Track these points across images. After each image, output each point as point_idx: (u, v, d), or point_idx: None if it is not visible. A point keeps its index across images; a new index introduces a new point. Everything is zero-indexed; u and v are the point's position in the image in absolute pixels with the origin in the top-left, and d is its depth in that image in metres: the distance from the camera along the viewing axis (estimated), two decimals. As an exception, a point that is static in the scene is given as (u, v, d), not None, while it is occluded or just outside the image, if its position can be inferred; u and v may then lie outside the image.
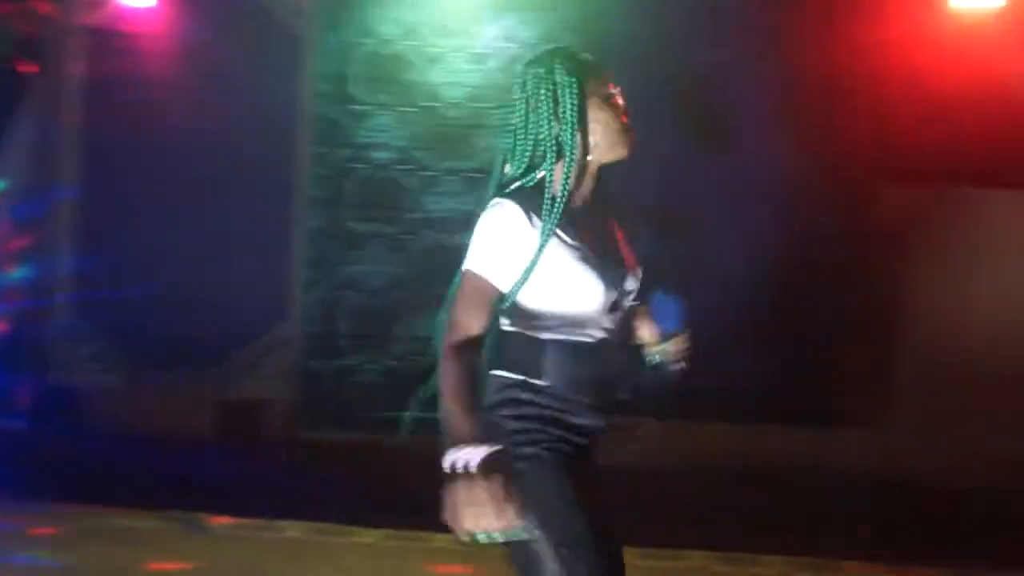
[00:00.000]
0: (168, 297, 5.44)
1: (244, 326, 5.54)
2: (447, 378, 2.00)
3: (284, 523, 4.93)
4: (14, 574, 4.16)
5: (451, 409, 1.94)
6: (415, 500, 5.12)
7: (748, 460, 5.24)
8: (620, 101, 2.18)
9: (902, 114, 5.08)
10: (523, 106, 2.12)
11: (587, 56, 2.23)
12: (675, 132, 5.12)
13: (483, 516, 1.76)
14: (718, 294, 4.57)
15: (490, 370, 2.22)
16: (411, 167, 5.45)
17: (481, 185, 5.39)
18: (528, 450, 2.10)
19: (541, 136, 2.11)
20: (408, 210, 5.46)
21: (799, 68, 4.96)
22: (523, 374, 2.16)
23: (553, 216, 2.07)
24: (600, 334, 2.14)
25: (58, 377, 5.58)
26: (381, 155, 5.45)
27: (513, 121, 2.13)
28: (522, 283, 2.09)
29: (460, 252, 5.60)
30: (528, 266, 2.08)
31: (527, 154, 2.12)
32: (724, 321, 4.20)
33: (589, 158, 2.13)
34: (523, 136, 2.12)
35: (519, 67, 2.15)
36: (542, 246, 2.08)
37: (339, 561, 4.51)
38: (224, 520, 4.92)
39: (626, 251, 2.22)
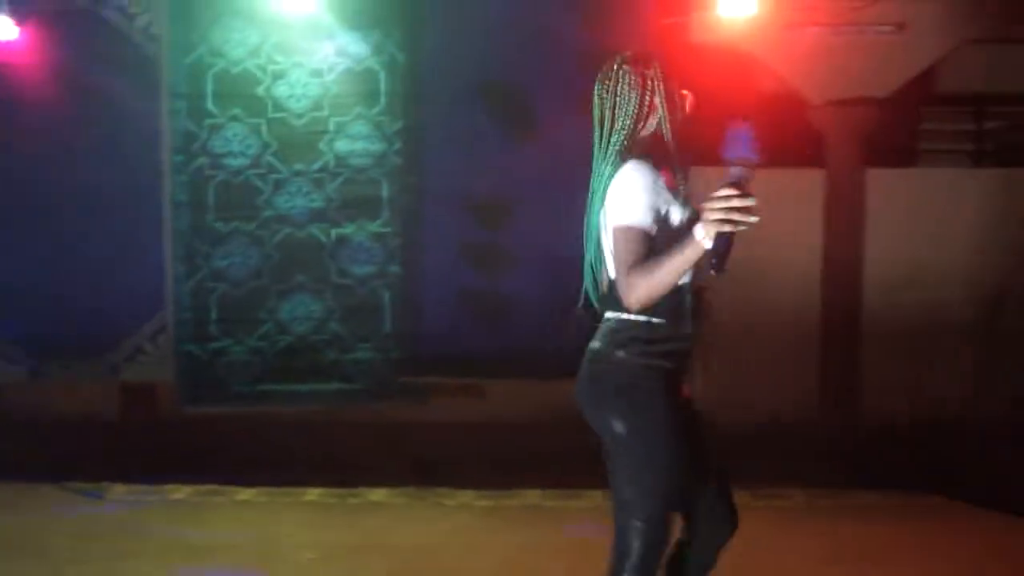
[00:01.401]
0: (60, 295, 6.02)
1: (130, 317, 6.09)
2: (652, 271, 2.50)
3: (171, 487, 5.67)
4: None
5: (672, 265, 2.48)
6: (284, 460, 5.91)
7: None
8: (678, 89, 2.73)
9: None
10: (633, 90, 2.70)
11: (660, 58, 2.77)
12: (490, 127, 5.86)
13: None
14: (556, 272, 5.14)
15: (607, 313, 2.72)
16: (263, 171, 5.95)
17: (324, 185, 5.96)
18: (652, 385, 2.65)
19: (646, 110, 2.69)
20: (262, 208, 5.97)
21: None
22: (645, 315, 2.64)
23: (677, 165, 2.66)
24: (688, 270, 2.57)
25: None
26: (236, 162, 5.94)
27: (625, 103, 2.70)
28: (664, 228, 2.58)
29: (310, 243, 6.15)
30: (666, 213, 2.60)
31: (630, 124, 2.68)
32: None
33: (668, 123, 2.68)
34: (630, 112, 2.69)
35: (623, 67, 2.71)
36: (677, 193, 2.63)
37: (220, 517, 5.21)
38: (118, 487, 5.67)
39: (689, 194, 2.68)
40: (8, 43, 5.92)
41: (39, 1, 5.95)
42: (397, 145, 5.95)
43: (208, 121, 5.94)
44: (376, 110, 5.94)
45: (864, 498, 5.43)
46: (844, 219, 6.02)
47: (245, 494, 5.57)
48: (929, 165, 6.70)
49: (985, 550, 4.60)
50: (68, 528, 4.97)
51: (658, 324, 2.67)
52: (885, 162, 6.31)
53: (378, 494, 5.59)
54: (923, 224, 6.19)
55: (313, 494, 5.57)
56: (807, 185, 6.12)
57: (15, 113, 5.98)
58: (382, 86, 5.93)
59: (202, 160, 5.95)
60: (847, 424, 5.94)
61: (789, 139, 6.07)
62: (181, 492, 5.60)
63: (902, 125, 6.53)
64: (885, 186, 6.14)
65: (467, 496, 5.55)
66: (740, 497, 5.22)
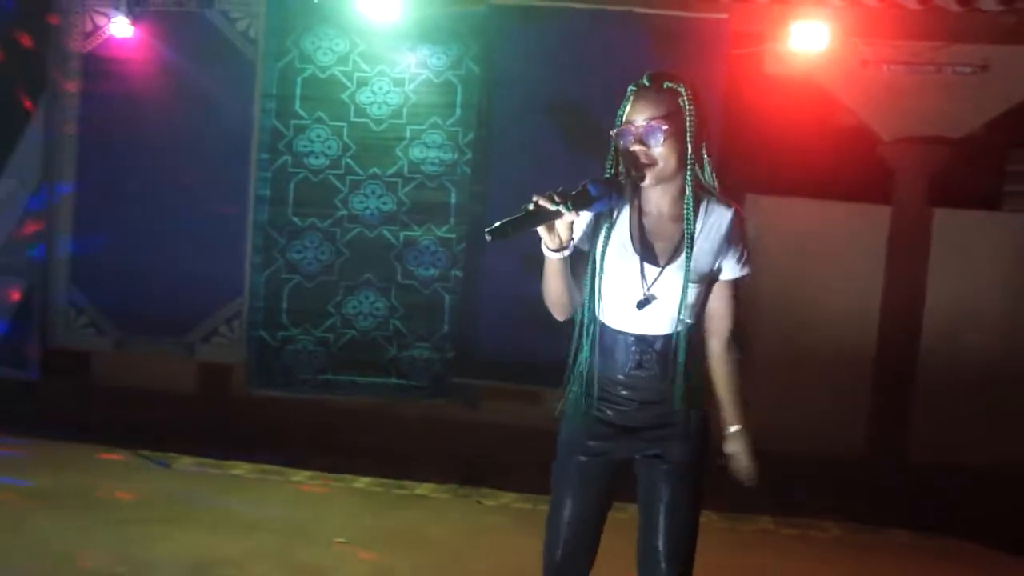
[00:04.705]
0: (148, 275, 6.43)
1: (209, 301, 6.43)
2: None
3: (232, 463, 6.02)
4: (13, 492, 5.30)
5: None
6: (339, 448, 6.17)
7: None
8: (627, 131, 2.58)
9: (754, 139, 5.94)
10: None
11: (631, 87, 2.62)
12: (557, 144, 6.00)
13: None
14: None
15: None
16: (341, 172, 6.20)
17: (397, 189, 6.17)
18: (564, 424, 2.83)
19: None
20: (338, 207, 6.21)
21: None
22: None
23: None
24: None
25: (60, 339, 6.61)
26: (316, 161, 6.20)
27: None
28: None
29: (379, 243, 6.40)
30: None
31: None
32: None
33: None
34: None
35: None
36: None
37: (272, 496, 5.51)
38: (185, 458, 6.06)
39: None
40: (123, 40, 6.39)
41: (153, 2, 6.40)
42: (468, 155, 6.14)
43: (294, 122, 6.22)
44: (451, 121, 6.15)
45: (897, 537, 5.41)
46: (907, 256, 5.97)
47: (299, 476, 5.88)
48: (1016, 208, 6.57)
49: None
50: (134, 493, 5.33)
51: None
52: (965, 204, 6.23)
53: (423, 488, 5.82)
54: (991, 267, 6.09)
55: (362, 482, 5.84)
56: (872, 221, 6.08)
57: (125, 104, 6.41)
58: (458, 98, 6.13)
59: (286, 158, 6.24)
60: (892, 463, 5.89)
61: (857, 174, 6.07)
62: (241, 468, 5.93)
63: (983, 167, 6.42)
64: (953, 227, 6.06)
65: (507, 498, 5.73)
66: (774, 524, 5.40)
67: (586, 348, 2.73)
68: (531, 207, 2.46)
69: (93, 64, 6.45)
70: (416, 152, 6.18)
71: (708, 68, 5.78)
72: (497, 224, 2.41)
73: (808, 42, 5.66)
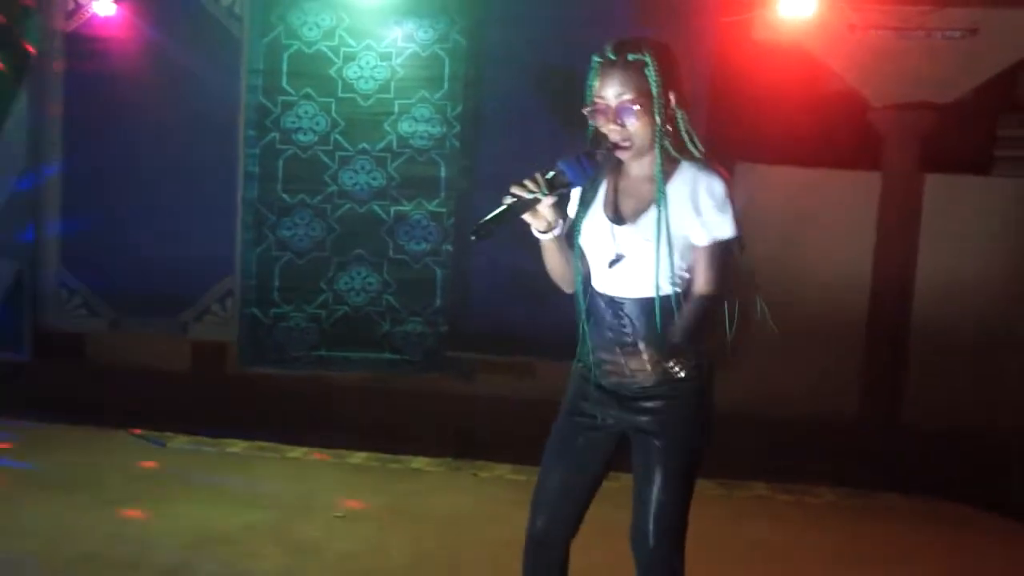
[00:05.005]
0: (139, 254, 6.42)
1: (201, 280, 6.43)
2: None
3: (228, 440, 6.04)
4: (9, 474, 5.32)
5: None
6: (334, 423, 6.19)
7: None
8: (600, 110, 2.56)
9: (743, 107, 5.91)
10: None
11: (595, 58, 2.58)
12: (546, 115, 5.97)
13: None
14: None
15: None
16: (330, 148, 6.18)
17: (386, 164, 6.17)
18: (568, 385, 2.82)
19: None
20: (327, 184, 6.21)
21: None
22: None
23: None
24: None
25: (52, 321, 6.61)
26: (305, 138, 6.18)
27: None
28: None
29: (370, 219, 6.40)
30: None
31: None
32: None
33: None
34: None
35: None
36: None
37: (268, 472, 5.53)
38: (180, 437, 6.08)
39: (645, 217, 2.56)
40: (106, 19, 6.34)
41: (136, -21, 6.35)
42: (457, 128, 6.12)
43: (281, 98, 6.19)
44: (439, 94, 6.12)
45: (890, 501, 5.45)
46: (898, 222, 5.98)
47: (295, 452, 5.90)
48: (1006, 173, 6.56)
49: (1007, 564, 4.60)
50: (129, 471, 5.36)
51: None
52: (956, 169, 6.22)
53: (418, 462, 5.85)
54: (983, 232, 6.08)
55: (358, 457, 5.86)
56: (863, 187, 6.08)
57: (109, 84, 6.36)
58: (446, 71, 6.10)
59: (274, 135, 6.21)
60: (885, 427, 5.92)
61: (846, 140, 6.06)
62: (237, 446, 5.96)
63: (973, 131, 6.40)
64: (944, 192, 6.05)
65: (502, 470, 5.76)
66: (769, 491, 5.45)
67: (582, 314, 2.73)
68: (509, 200, 2.51)
69: (77, 43, 6.38)
70: (405, 126, 6.16)
71: (697, 35, 5.79)
72: (479, 224, 2.47)
73: (796, 8, 5.65)
